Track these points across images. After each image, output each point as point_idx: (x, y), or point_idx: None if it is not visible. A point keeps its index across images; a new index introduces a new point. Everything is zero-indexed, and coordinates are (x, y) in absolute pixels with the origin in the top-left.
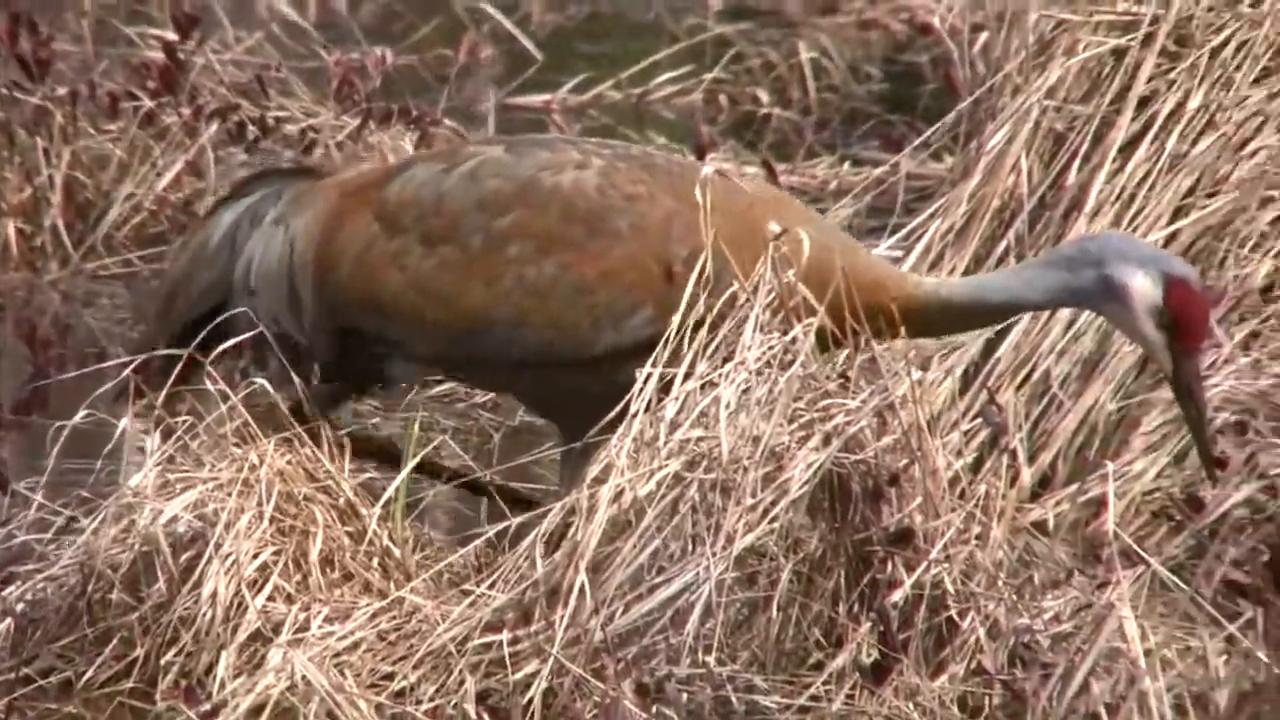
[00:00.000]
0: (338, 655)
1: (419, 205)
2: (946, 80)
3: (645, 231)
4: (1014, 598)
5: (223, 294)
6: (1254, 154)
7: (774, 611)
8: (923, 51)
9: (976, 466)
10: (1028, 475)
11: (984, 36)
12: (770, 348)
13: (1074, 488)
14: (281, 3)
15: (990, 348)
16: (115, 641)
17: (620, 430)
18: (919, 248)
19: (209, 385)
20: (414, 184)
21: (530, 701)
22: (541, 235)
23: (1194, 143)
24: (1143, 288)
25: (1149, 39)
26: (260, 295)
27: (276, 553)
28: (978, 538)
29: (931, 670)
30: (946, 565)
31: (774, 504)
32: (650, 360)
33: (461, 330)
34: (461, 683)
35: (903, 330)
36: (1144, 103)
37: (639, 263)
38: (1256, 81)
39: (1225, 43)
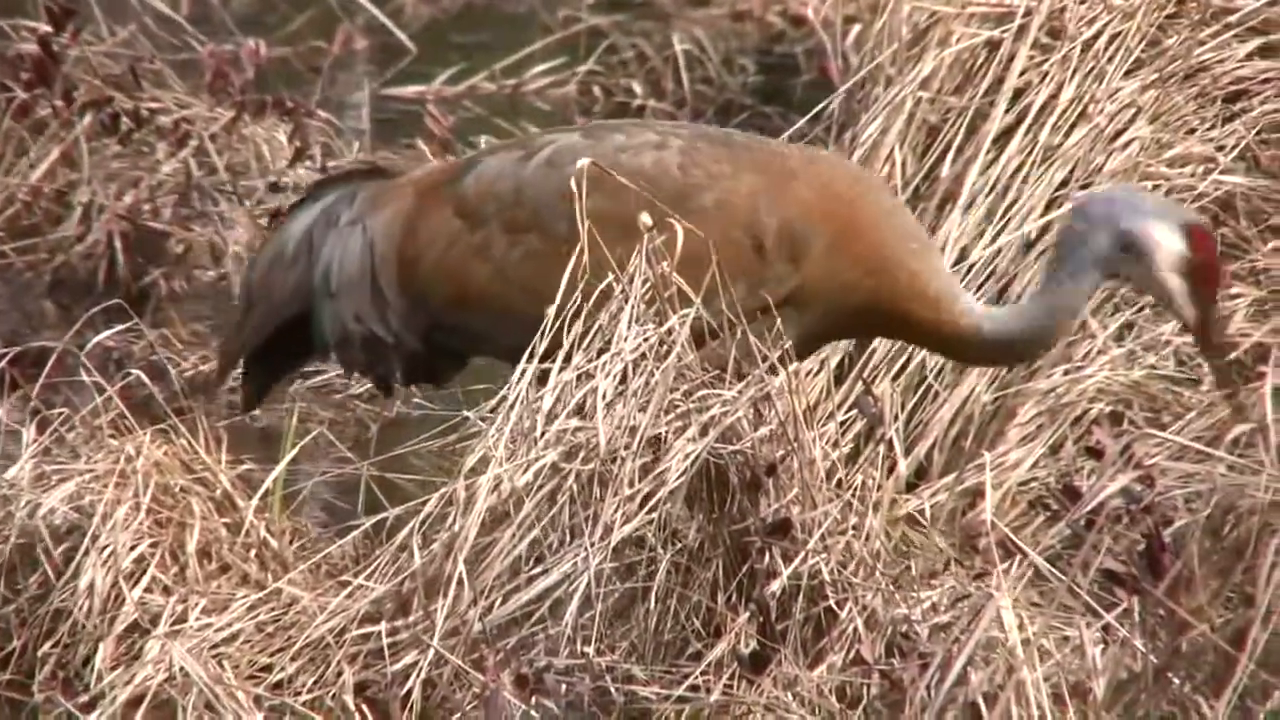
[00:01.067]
0: (216, 647)
1: (499, 196)
2: (820, 72)
3: (732, 208)
4: (891, 588)
5: (304, 298)
6: (1126, 145)
7: (652, 602)
8: (796, 43)
9: (853, 457)
10: (904, 466)
11: (857, 28)
12: (647, 339)
13: (950, 478)
14: None
15: None
16: None
17: (498, 421)
18: None
19: (84, 377)
20: (491, 175)
21: (409, 692)
22: (626, 218)
23: (1067, 134)
24: (1166, 239)
25: (1022, 31)
26: (341, 297)
27: (154, 544)
28: (855, 528)
29: (810, 660)
30: (824, 556)
31: (652, 494)
32: (528, 351)
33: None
34: (339, 674)
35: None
36: (1017, 94)
37: (728, 239)
38: (1129, 73)
39: (1098, 35)
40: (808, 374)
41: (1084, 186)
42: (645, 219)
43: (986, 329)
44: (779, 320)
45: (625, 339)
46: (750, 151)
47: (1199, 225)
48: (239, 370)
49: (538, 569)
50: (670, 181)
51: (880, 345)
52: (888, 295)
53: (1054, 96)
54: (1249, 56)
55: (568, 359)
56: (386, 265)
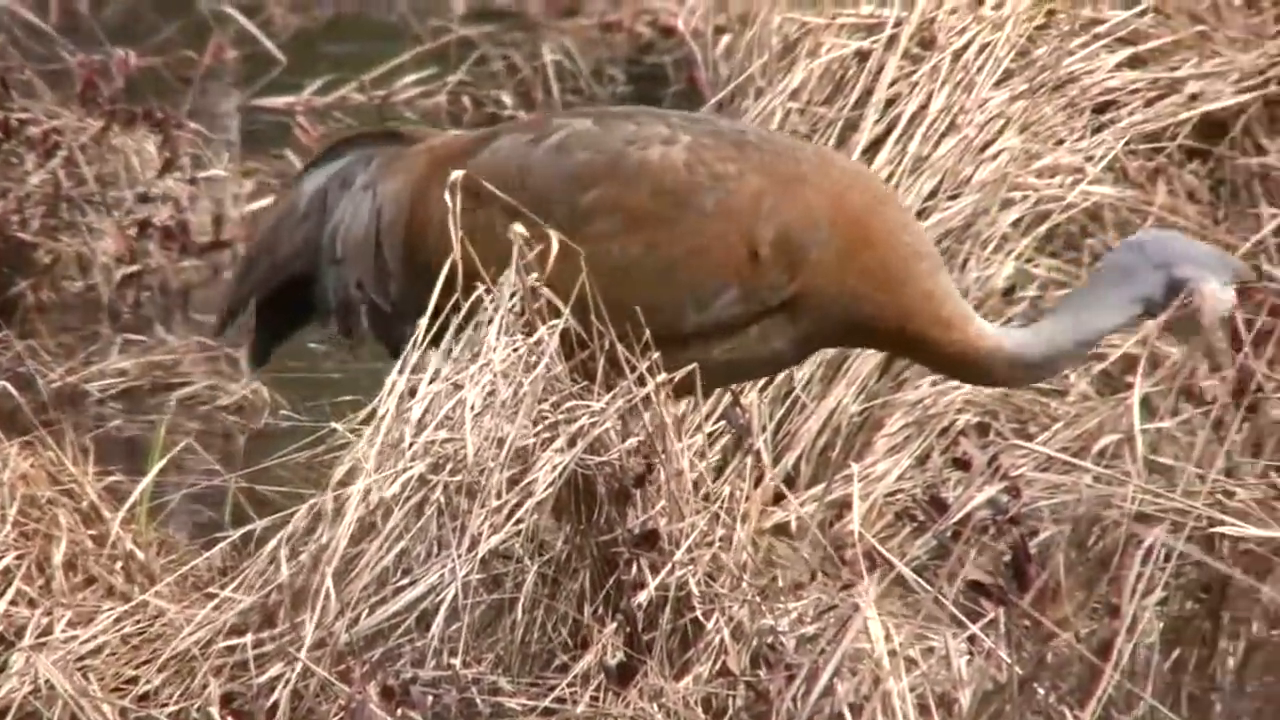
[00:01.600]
0: (81, 659)
1: (504, 177)
2: (690, 82)
3: (732, 211)
4: (758, 599)
5: (310, 258)
6: (995, 156)
7: (519, 613)
8: (666, 53)
9: (721, 468)
10: (771, 477)
11: (727, 39)
12: (516, 350)
13: (818, 489)
14: (19, 6)
15: None
16: None
17: (368, 433)
18: None
19: None
20: (500, 155)
21: (275, 704)
22: (627, 210)
23: (936, 145)
24: (1218, 292)
25: (892, 41)
26: (346, 262)
27: (19, 557)
28: (722, 539)
29: (676, 671)
30: (691, 567)
31: (519, 506)
32: (399, 364)
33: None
34: (205, 686)
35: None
36: (888, 105)
37: (725, 242)
38: (998, 84)
39: (967, 45)
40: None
41: (953, 197)
42: (518, 229)
43: (1009, 348)
44: (757, 329)
45: (495, 349)
46: (761, 152)
47: (1249, 281)
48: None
49: (405, 580)
50: (673, 178)
51: None
52: (897, 313)
53: (924, 107)
54: (1118, 67)
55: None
56: (392, 234)
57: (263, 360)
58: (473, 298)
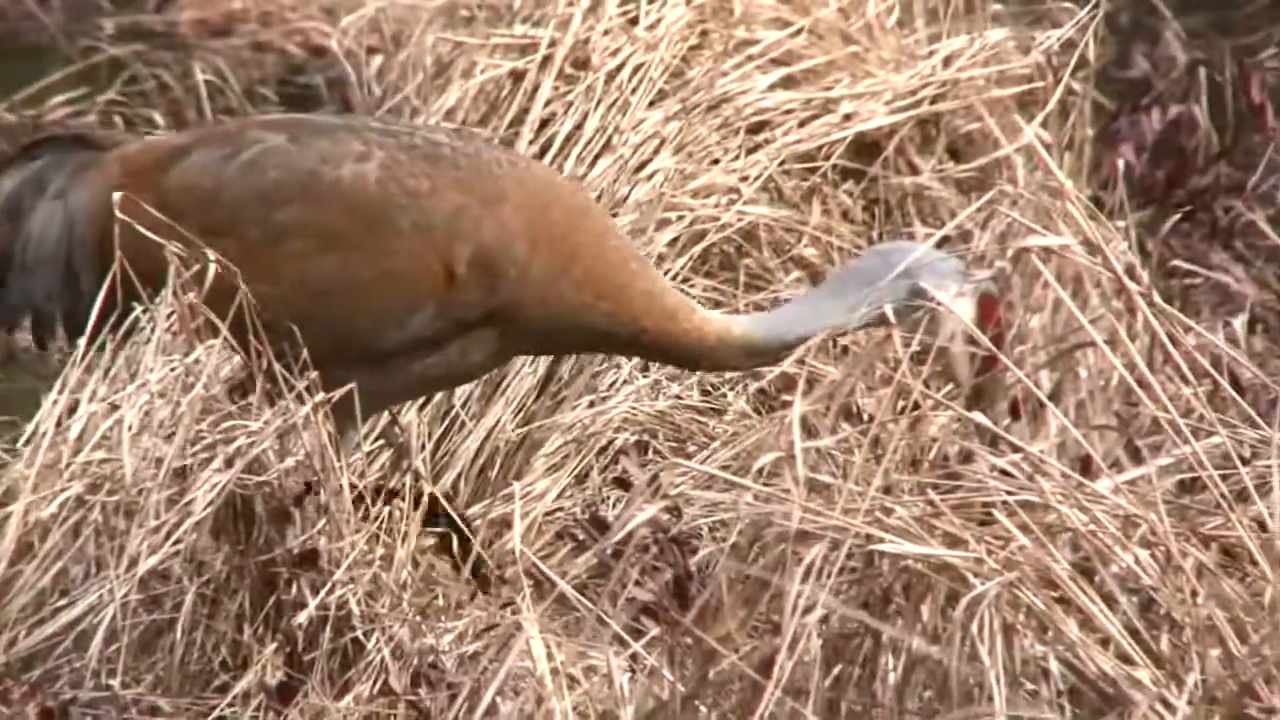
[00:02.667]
0: None
1: (199, 194)
2: (343, 103)
3: (428, 229)
4: (419, 618)
5: (2, 264)
6: (651, 176)
7: (179, 633)
8: (319, 73)
9: (379, 488)
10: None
11: (380, 59)
12: (174, 369)
13: (478, 508)
14: None
15: None
16: None
17: (26, 453)
18: None
19: None
20: (194, 171)
21: None
22: (321, 231)
23: (592, 165)
24: (960, 305)
25: (546, 62)
26: (37, 273)
27: None
28: (383, 559)
29: (337, 691)
30: (352, 586)
31: (178, 526)
32: (58, 384)
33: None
34: None
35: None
36: (543, 125)
37: (420, 261)
38: (652, 104)
39: (621, 65)
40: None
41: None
42: (174, 249)
43: (737, 332)
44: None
45: (152, 370)
46: (458, 169)
47: (991, 295)
48: None
49: (63, 601)
50: (366, 198)
51: None
52: (629, 317)
53: (579, 127)
54: (771, 88)
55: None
56: (83, 249)
57: None
58: (130, 317)
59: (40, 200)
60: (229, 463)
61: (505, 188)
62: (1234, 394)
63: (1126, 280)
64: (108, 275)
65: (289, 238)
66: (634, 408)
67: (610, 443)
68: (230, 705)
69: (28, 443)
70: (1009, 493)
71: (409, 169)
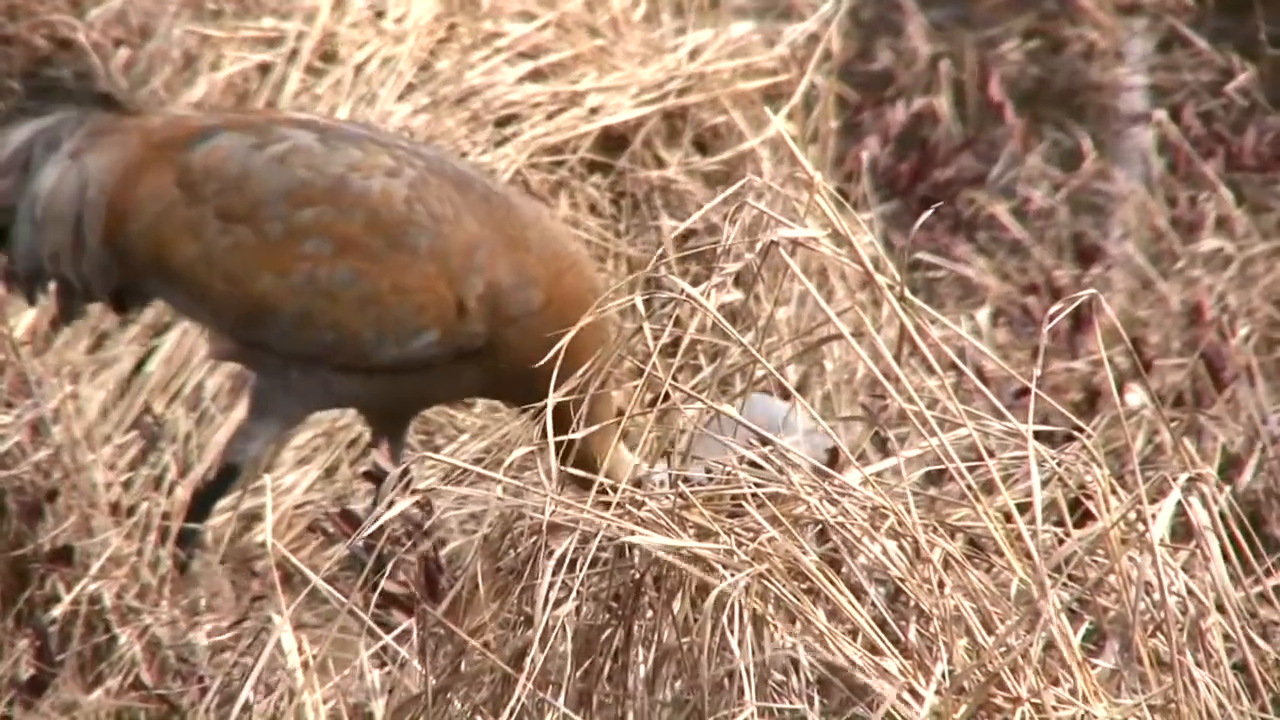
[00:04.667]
0: None
1: (222, 178)
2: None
3: (444, 255)
4: (172, 612)
5: (6, 214)
6: None
7: None
8: (65, 66)
9: (129, 482)
10: (183, 490)
11: (126, 51)
12: None
13: (229, 500)
14: None
15: (142, 362)
16: None
17: None
18: None
19: None
20: (220, 154)
21: None
22: (341, 237)
23: None
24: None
25: (294, 55)
26: (44, 231)
27: None
28: (137, 553)
29: (88, 684)
30: (105, 581)
31: None
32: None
33: (245, 313)
34: None
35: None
36: None
37: (432, 286)
38: (401, 97)
39: (369, 59)
40: (86, 398)
41: None
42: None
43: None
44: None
45: None
46: (488, 203)
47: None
48: None
49: None
50: (390, 213)
51: (158, 367)
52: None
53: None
54: (519, 81)
55: None
56: (94, 213)
57: None
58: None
59: (53, 156)
60: None
61: (530, 238)
62: (980, 385)
63: (874, 272)
64: (114, 243)
65: (307, 238)
66: None
67: (359, 436)
68: None
69: None
70: (758, 484)
71: (438, 192)
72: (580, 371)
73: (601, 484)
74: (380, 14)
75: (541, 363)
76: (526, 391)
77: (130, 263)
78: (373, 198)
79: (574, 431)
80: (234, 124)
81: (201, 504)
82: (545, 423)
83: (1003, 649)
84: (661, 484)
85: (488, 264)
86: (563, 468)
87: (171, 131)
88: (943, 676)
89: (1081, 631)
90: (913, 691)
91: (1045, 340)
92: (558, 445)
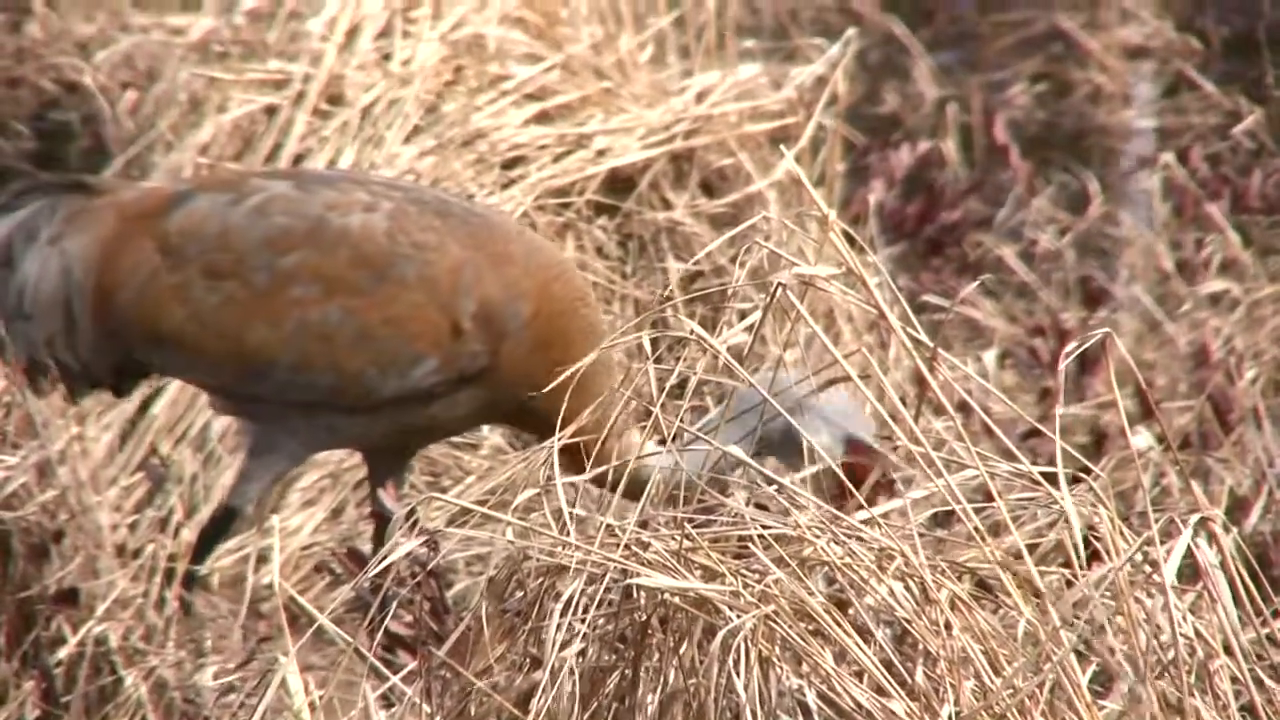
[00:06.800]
0: None
1: (203, 238)
2: (95, 138)
3: (433, 281)
4: (179, 653)
5: None
6: None
7: None
8: (72, 109)
9: (134, 525)
10: (189, 532)
11: (133, 94)
12: None
13: (235, 541)
14: None
15: (148, 403)
16: None
17: None
18: None
19: None
20: (198, 215)
21: None
22: (327, 277)
23: None
24: (826, 447)
25: (300, 97)
26: (35, 320)
27: None
28: (143, 594)
29: None
30: (111, 623)
31: None
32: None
33: (242, 367)
34: None
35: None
36: (297, 160)
37: (424, 314)
38: (407, 140)
39: (375, 101)
40: (92, 439)
41: None
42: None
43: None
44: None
45: None
46: (467, 225)
47: (859, 442)
48: None
49: None
50: (374, 247)
51: (164, 410)
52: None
53: (333, 163)
54: (525, 123)
55: None
56: (82, 295)
57: None
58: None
59: (32, 247)
60: None
61: (514, 252)
62: (992, 425)
63: (888, 312)
64: (105, 319)
65: (294, 283)
66: None
67: (365, 476)
68: None
69: None
70: (765, 526)
71: (418, 221)
72: (577, 368)
73: (615, 469)
74: (387, 56)
75: (545, 357)
76: (529, 409)
77: (123, 336)
78: (353, 234)
79: (580, 434)
80: (207, 185)
81: (202, 546)
82: (552, 462)
83: (1010, 690)
84: (664, 469)
85: (476, 283)
86: (564, 457)
87: (145, 202)
88: (949, 718)
89: (1089, 672)
90: None
91: (1059, 381)
92: (574, 445)
